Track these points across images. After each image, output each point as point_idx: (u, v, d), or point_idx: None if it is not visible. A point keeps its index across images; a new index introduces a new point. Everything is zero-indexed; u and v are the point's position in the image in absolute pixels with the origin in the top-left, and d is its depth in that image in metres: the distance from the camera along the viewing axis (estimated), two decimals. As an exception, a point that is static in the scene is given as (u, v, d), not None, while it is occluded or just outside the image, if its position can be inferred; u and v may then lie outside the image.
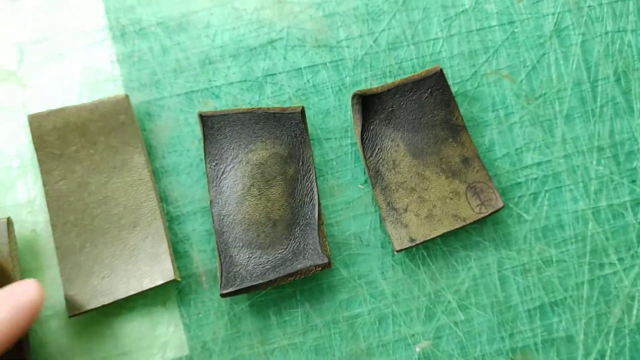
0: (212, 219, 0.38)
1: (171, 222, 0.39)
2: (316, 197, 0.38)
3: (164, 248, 0.37)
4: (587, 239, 0.41)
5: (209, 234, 0.39)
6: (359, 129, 0.40)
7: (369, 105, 0.40)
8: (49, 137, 0.38)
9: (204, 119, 0.38)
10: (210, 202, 0.38)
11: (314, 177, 0.39)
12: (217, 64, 0.41)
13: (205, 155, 0.39)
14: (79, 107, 0.38)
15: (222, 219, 0.38)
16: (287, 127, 0.39)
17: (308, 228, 0.38)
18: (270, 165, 0.38)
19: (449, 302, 0.40)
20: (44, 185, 0.38)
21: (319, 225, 0.38)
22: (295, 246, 0.38)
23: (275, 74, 0.41)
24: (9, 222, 0.36)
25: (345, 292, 0.39)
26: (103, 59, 0.40)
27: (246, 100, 0.41)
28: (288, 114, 0.39)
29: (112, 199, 0.38)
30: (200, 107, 0.40)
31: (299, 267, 0.37)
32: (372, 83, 0.41)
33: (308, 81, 0.41)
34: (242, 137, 0.39)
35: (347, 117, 0.41)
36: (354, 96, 0.39)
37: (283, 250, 0.38)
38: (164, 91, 0.40)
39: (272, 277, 0.37)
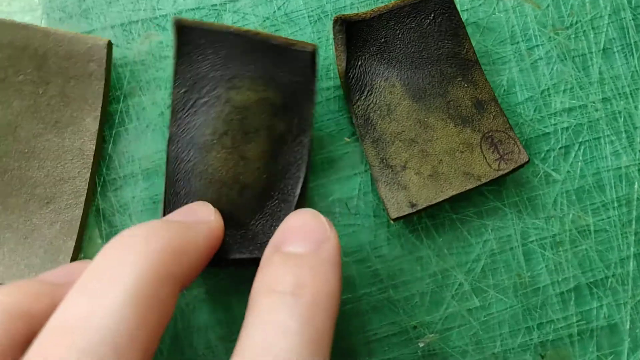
0: (167, 160, 0.29)
1: (104, 187, 0.31)
2: (304, 167, 0.29)
3: (68, 248, 0.29)
4: (633, 202, 0.33)
5: (152, 203, 0.31)
6: (343, 65, 0.31)
7: (356, 35, 0.31)
8: None
9: (182, 29, 0.28)
10: (169, 138, 0.29)
11: (308, 142, 0.29)
12: (162, -12, 0.32)
13: (174, 77, 0.29)
14: (47, 31, 0.30)
15: (179, 164, 0.29)
16: (290, 67, 0.29)
17: (282, 206, 0.29)
18: (255, 112, 0.29)
19: (461, 284, 0.31)
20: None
21: (299, 204, 0.29)
22: (261, 226, 0.29)
23: (236, 0, 0.32)
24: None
25: (327, 273, 0.31)
26: (17, -17, 0.32)
27: (200, 34, 0.32)
28: (295, 50, 0.28)
29: (37, 158, 0.30)
30: (141, 41, 0.32)
31: (255, 254, 0.28)
32: (359, 9, 0.33)
33: (279, 8, 0.33)
34: (228, 66, 0.29)
35: (328, 54, 0.32)
36: (335, 22, 0.31)
37: (245, 227, 0.29)
38: (94, 22, 0.32)
39: (228, 256, 0.28)
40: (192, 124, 0.29)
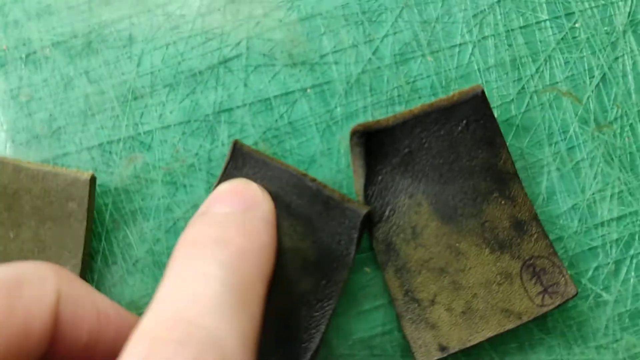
0: None
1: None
2: (317, 342, 0.25)
3: None
4: (695, 322, 0.30)
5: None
6: (362, 181, 0.28)
7: (375, 146, 0.28)
8: None
9: (236, 150, 0.26)
10: None
11: (330, 311, 0.26)
12: (145, 99, 0.29)
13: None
14: (19, 166, 0.27)
15: None
16: (336, 224, 0.26)
17: None
18: (283, 261, 0.26)
19: None
20: None
21: None
22: None
23: (232, 109, 0.29)
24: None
25: None
26: (-24, 101, 0.29)
27: (192, 150, 0.29)
28: (347, 208, 0.26)
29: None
30: (124, 165, 0.28)
31: None
32: (373, 114, 0.30)
33: (281, 117, 0.29)
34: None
35: (340, 167, 0.29)
36: (353, 134, 0.28)
37: None
38: (68, 144, 0.28)
39: None
40: None
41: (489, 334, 0.27)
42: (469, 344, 0.27)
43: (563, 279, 0.28)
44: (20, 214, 0.27)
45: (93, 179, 0.27)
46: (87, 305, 0.21)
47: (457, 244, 0.28)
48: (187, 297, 0.19)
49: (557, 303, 0.27)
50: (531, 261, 0.28)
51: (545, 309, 0.27)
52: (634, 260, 0.30)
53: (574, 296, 0.27)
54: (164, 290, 0.20)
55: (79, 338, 0.21)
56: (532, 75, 0.30)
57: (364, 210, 0.26)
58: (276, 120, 0.29)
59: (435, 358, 0.27)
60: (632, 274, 0.30)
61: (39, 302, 0.20)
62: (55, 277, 0.21)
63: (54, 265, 0.21)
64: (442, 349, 0.27)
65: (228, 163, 0.26)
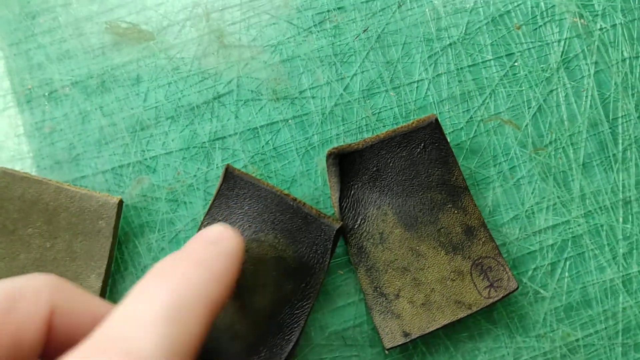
0: None
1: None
2: (298, 332, 0.32)
3: None
4: (619, 314, 0.36)
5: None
6: (337, 195, 0.35)
7: (347, 165, 0.35)
8: (9, 205, 0.33)
9: (229, 176, 0.33)
10: None
11: (309, 309, 0.32)
12: (151, 130, 0.35)
13: (208, 211, 0.33)
14: (60, 187, 0.33)
15: None
16: (312, 236, 0.33)
17: None
18: (268, 268, 0.32)
19: (459, 409, 0.35)
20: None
21: None
22: None
23: (225, 137, 0.36)
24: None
25: (329, 409, 0.34)
26: (5, 133, 0.35)
27: (191, 173, 0.35)
28: (323, 223, 0.33)
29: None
30: (132, 185, 0.35)
31: None
32: (345, 140, 0.36)
33: (267, 143, 0.36)
34: (258, 219, 0.33)
35: (317, 185, 0.36)
36: (329, 155, 0.34)
37: None
38: (85, 168, 0.35)
39: None
40: None
41: (445, 321, 0.34)
42: (428, 331, 0.34)
43: (506, 275, 0.34)
44: (57, 227, 0.33)
45: (121, 202, 0.33)
46: (82, 313, 0.25)
47: (417, 247, 0.35)
48: (130, 314, 0.23)
49: (501, 295, 0.34)
50: (480, 261, 0.35)
51: (491, 301, 0.34)
52: (567, 262, 0.37)
53: (515, 290, 0.34)
54: (117, 308, 0.24)
55: (74, 341, 0.25)
56: (479, 107, 0.37)
57: (337, 225, 0.33)
58: (262, 146, 0.36)
59: (400, 343, 0.33)
60: (566, 274, 0.36)
61: (32, 316, 0.24)
62: (50, 290, 0.25)
63: (51, 277, 0.25)
64: (406, 335, 0.34)
65: (221, 185, 0.33)
